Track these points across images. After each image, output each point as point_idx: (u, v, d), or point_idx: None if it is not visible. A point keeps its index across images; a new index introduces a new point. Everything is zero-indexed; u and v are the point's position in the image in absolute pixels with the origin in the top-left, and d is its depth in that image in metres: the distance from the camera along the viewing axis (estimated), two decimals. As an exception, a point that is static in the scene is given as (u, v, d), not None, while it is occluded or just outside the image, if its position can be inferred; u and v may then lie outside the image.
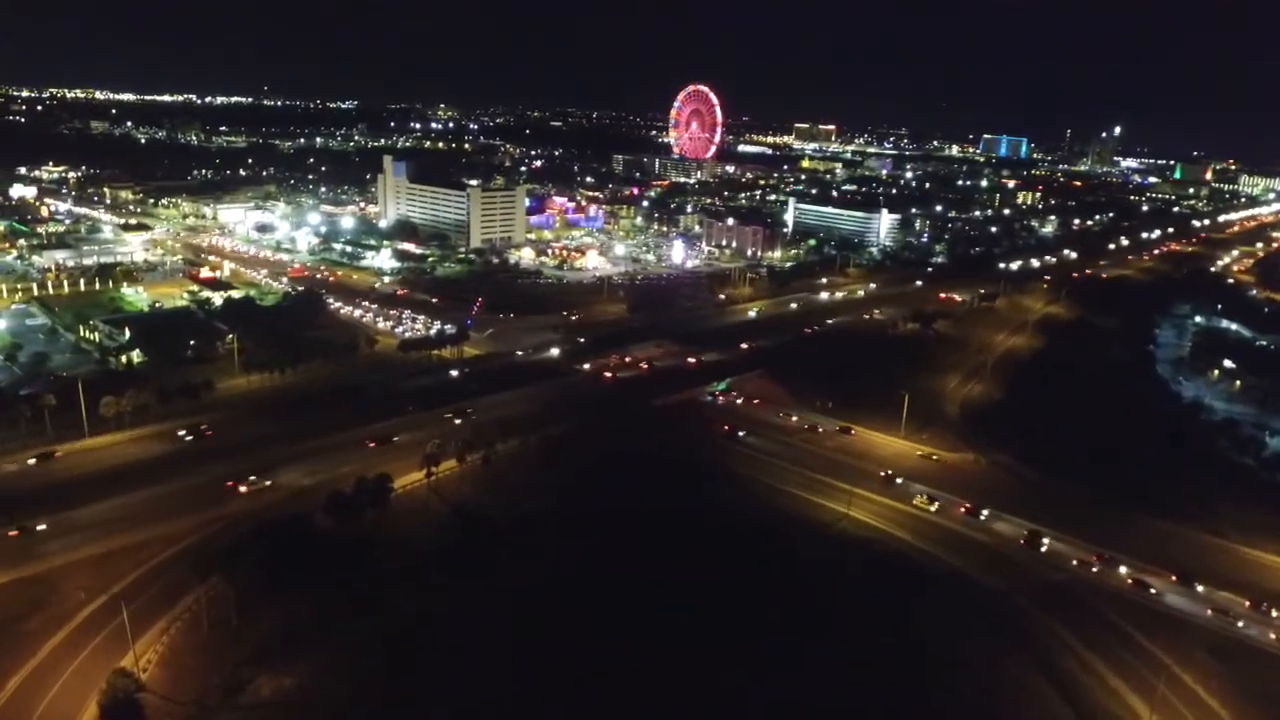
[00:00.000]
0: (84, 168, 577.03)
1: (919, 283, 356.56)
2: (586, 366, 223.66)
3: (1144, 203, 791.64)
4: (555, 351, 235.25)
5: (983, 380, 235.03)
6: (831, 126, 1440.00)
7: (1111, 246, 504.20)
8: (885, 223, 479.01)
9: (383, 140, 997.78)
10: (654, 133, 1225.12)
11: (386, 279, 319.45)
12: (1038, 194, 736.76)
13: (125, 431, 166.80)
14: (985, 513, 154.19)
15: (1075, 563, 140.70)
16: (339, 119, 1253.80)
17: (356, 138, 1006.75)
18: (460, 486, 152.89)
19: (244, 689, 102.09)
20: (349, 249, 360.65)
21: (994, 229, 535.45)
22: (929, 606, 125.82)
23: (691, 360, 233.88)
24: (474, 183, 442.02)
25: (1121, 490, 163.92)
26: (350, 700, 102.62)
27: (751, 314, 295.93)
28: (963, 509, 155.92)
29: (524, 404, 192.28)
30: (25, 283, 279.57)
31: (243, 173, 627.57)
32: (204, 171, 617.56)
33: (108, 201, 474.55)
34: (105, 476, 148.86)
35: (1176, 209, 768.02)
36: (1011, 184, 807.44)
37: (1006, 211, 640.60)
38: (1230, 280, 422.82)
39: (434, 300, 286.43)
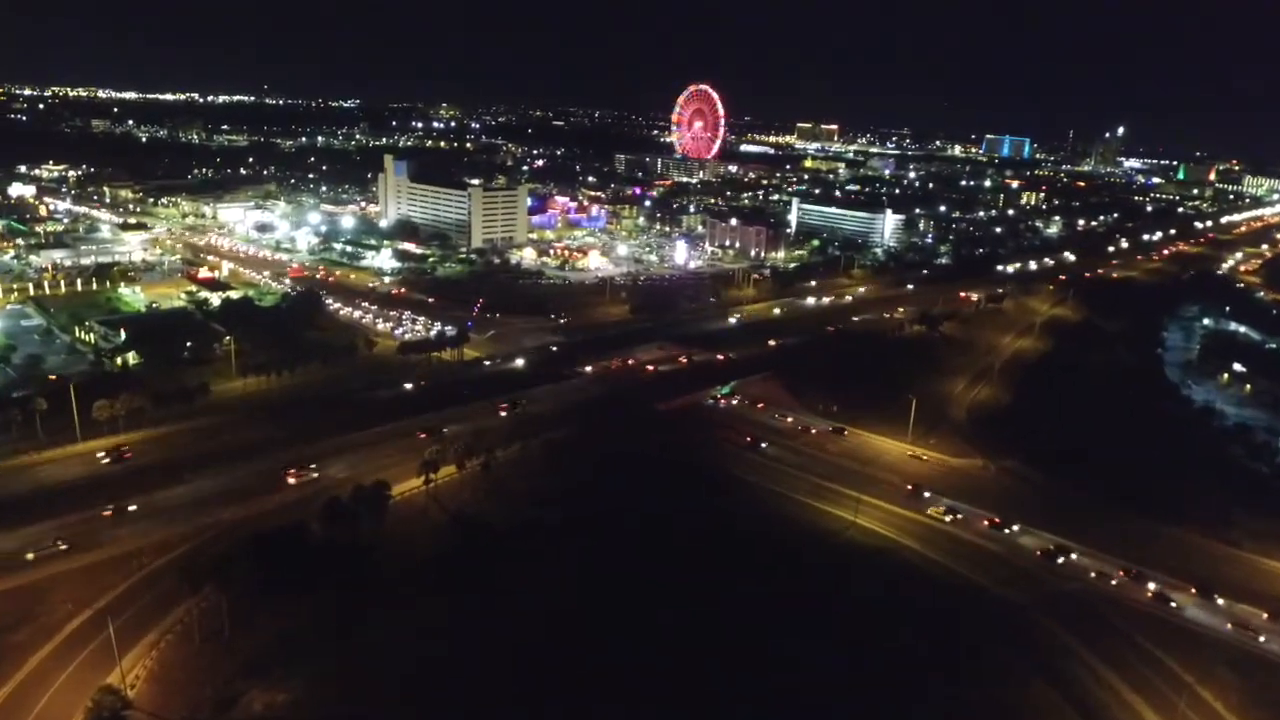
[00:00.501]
0: (84, 166, 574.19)
1: (911, 286, 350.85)
2: (588, 369, 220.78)
3: (1148, 203, 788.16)
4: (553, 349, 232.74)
5: (990, 383, 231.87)
6: (834, 126, 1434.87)
7: (1116, 247, 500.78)
8: (889, 223, 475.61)
9: (384, 139, 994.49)
10: (656, 132, 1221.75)
11: (387, 279, 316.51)
12: (1041, 194, 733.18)
13: (119, 436, 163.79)
14: (1015, 527, 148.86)
15: (1094, 575, 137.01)
16: (341, 118, 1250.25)
17: (358, 136, 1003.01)
18: (460, 493, 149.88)
19: (235, 703, 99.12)
20: (349, 249, 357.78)
21: (998, 230, 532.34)
22: (940, 617, 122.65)
23: (694, 362, 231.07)
24: (475, 182, 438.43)
25: (1135, 498, 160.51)
26: (346, 716, 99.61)
27: (755, 316, 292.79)
28: (986, 522, 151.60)
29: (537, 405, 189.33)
30: (22, 282, 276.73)
31: (243, 172, 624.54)
32: (204, 170, 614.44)
33: (107, 200, 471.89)
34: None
35: (1181, 209, 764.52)
36: (1015, 184, 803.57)
37: (1010, 212, 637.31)
38: (1238, 282, 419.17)
39: (430, 300, 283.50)
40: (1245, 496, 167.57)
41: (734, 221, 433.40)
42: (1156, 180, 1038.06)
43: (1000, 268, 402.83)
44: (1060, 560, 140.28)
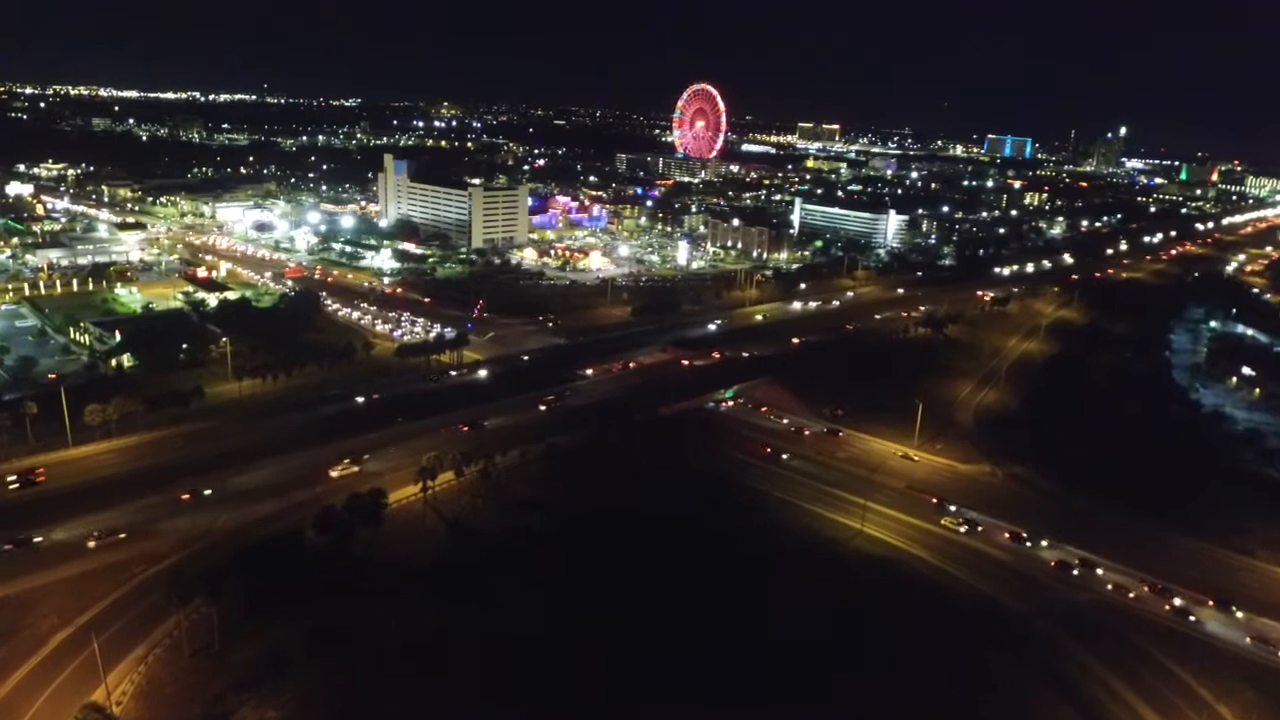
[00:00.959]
0: (83, 165, 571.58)
1: (902, 289, 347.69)
2: (589, 372, 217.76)
3: (1150, 204, 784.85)
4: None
5: (996, 387, 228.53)
6: (835, 126, 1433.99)
7: (1120, 248, 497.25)
8: (893, 224, 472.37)
9: (385, 138, 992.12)
10: (658, 132, 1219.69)
11: (386, 279, 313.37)
12: (1044, 195, 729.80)
13: (111, 441, 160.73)
14: (1045, 542, 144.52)
15: (1110, 587, 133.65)
16: (342, 117, 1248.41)
17: (359, 136, 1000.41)
18: (457, 500, 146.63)
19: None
20: (348, 249, 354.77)
21: (1001, 230, 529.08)
22: (950, 628, 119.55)
23: (697, 364, 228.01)
24: (476, 182, 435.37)
25: (1146, 506, 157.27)
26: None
27: (759, 318, 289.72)
28: (1007, 535, 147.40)
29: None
30: (17, 282, 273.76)
31: (243, 170, 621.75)
32: (204, 169, 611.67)
33: (105, 199, 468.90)
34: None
35: (1184, 210, 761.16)
36: (1017, 185, 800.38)
37: (1013, 212, 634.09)
38: (1243, 284, 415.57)
39: (427, 300, 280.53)
40: (1258, 503, 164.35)
41: (736, 222, 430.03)
42: (1159, 181, 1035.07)
43: (1002, 270, 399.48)
44: (1075, 572, 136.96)
